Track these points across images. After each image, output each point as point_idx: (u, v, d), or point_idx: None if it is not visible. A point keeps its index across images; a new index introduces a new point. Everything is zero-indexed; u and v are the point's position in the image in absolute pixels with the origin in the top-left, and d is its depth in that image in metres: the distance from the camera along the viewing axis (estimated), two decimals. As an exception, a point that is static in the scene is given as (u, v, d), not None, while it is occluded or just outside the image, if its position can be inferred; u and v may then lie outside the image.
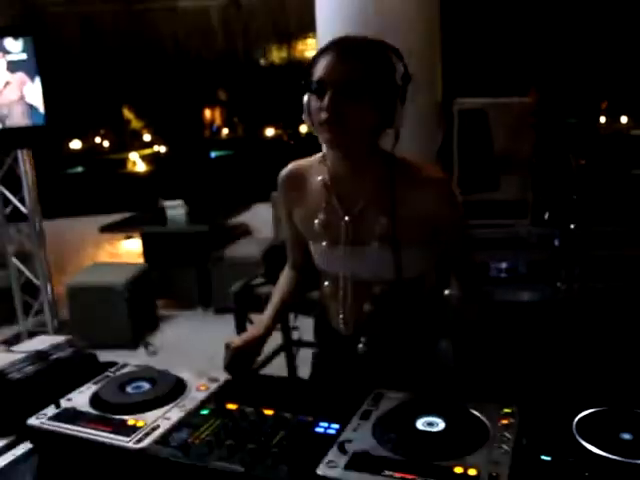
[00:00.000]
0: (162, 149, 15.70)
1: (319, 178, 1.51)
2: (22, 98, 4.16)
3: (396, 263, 1.46)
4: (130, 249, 5.80)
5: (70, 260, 5.37)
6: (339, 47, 1.36)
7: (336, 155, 1.47)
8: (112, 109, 12.99)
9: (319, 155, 1.56)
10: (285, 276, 1.76)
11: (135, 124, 15.09)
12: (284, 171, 1.60)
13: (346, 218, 1.49)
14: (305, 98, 1.40)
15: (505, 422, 1.26)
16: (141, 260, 5.26)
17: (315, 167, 1.55)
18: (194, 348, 4.31)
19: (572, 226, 2.17)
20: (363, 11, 2.87)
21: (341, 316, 1.60)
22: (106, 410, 1.36)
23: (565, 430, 1.21)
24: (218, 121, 22.67)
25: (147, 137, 18.68)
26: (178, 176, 11.16)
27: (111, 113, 13.19)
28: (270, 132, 22.06)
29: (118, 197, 9.28)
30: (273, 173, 1.72)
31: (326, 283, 1.62)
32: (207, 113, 20.04)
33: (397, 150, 1.47)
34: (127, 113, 14.36)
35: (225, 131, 22.78)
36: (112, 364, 1.59)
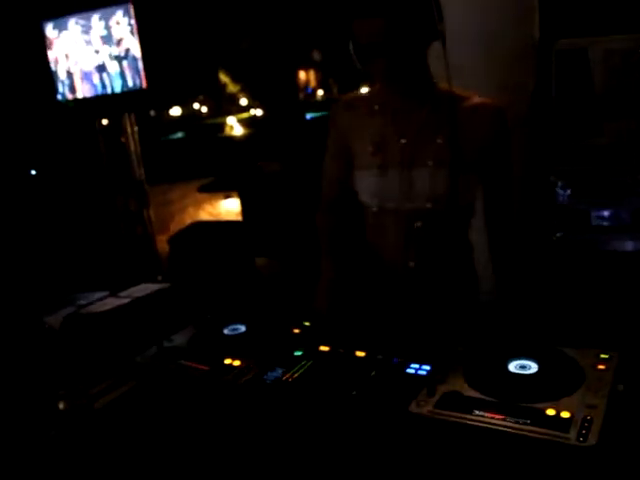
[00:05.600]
0: (259, 112, 15.92)
1: (375, 106, 1.56)
2: (124, 63, 4.32)
3: (449, 183, 1.49)
4: (229, 208, 5.96)
5: (173, 219, 5.59)
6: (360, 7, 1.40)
7: (390, 88, 1.53)
8: (208, 74, 13.24)
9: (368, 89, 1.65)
10: (325, 220, 1.71)
11: (231, 88, 15.38)
12: (337, 102, 1.66)
13: (402, 140, 1.53)
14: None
15: (602, 367, 1.22)
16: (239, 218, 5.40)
17: (367, 97, 1.61)
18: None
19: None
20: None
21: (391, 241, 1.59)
22: (204, 350, 1.43)
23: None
24: (313, 83, 22.68)
25: (244, 101, 19.03)
26: (275, 139, 11.29)
27: (208, 78, 13.46)
28: (365, 91, 21.80)
29: (217, 161, 9.57)
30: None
31: (373, 216, 1.60)
32: (302, 75, 20.06)
33: (485, 92, 1.54)
34: (223, 77, 14.63)
35: (320, 92, 22.76)
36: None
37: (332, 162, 1.68)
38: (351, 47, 1.46)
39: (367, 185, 1.59)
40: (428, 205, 1.52)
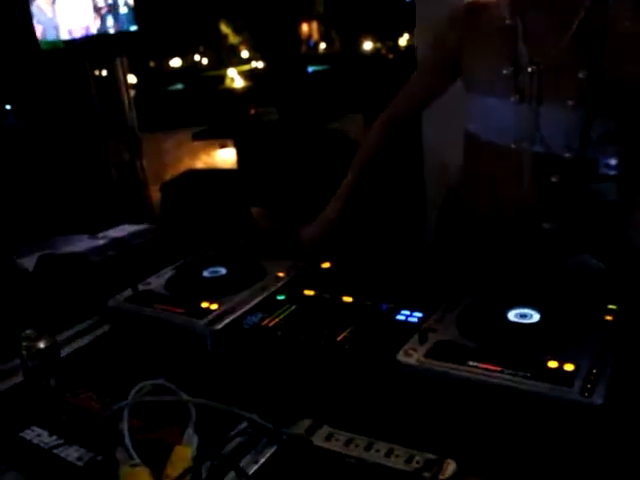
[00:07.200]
0: (260, 65, 15.62)
1: (506, 18, 1.29)
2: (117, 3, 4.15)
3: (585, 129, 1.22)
4: (225, 158, 5.83)
5: (167, 168, 5.48)
6: None
7: None
8: (209, 25, 12.93)
9: None
10: (379, 133, 1.49)
11: (232, 40, 15.03)
12: (459, 7, 1.37)
13: (534, 66, 1.26)
14: None
15: (609, 318, 1.12)
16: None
17: (499, 6, 1.32)
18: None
19: None
20: None
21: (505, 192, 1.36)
22: (181, 293, 1.33)
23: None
24: (315, 36, 22.23)
25: (245, 53, 18.65)
26: (274, 90, 11.07)
27: (208, 29, 13.15)
28: (368, 46, 21.41)
29: (216, 112, 9.38)
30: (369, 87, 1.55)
31: (482, 153, 1.37)
32: (304, 28, 19.63)
33: None
34: (224, 28, 14.29)
35: (322, 46, 22.33)
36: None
37: (424, 74, 1.46)
38: None
39: (482, 113, 1.35)
40: (564, 153, 1.27)
